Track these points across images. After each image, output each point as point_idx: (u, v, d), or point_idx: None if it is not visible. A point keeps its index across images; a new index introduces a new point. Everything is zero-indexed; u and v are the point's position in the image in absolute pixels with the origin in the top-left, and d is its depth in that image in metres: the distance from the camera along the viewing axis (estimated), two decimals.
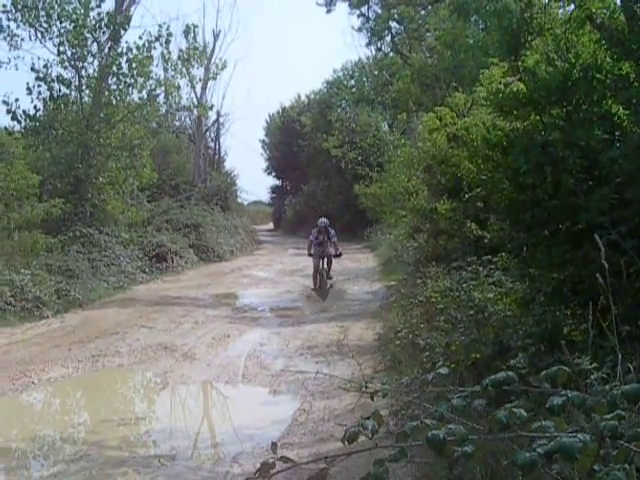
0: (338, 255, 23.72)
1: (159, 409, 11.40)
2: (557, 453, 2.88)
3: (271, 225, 73.65)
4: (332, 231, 23.52)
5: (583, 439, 2.91)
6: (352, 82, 60.86)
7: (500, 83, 12.28)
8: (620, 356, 4.72)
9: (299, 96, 67.68)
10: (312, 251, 23.49)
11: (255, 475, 3.25)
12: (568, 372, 3.46)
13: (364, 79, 59.51)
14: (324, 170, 53.76)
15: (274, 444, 3.45)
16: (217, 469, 8.29)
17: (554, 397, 3.22)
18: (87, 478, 7.98)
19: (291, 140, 61.94)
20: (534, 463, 2.89)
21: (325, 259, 23.49)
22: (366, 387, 4.11)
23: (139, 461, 8.56)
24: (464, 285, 12.35)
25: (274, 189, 75.14)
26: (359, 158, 48.24)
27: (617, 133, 8.76)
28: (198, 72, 40.60)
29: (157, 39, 29.84)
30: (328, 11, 39.15)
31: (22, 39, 28.06)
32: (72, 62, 28.56)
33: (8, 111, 28.16)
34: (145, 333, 16.63)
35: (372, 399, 3.97)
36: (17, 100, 28.27)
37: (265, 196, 79.18)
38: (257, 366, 13.60)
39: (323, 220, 23.82)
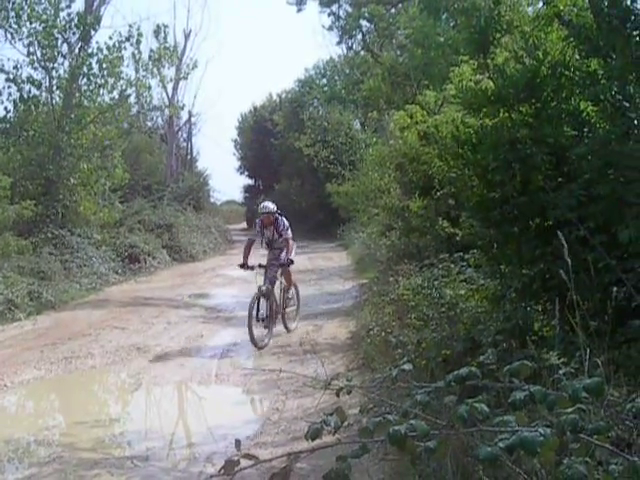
0: (287, 264, 15.92)
1: (133, 410, 11.36)
2: (518, 447, 2.91)
3: (244, 224, 73.51)
4: (284, 222, 15.97)
5: (544, 433, 2.94)
6: (324, 81, 60.87)
7: (470, 81, 12.36)
8: (588, 351, 4.76)
9: (271, 95, 67.68)
10: (251, 260, 16.10)
11: (219, 473, 3.27)
12: (531, 367, 3.50)
13: (336, 78, 59.57)
14: (297, 169, 53.70)
15: (237, 441, 3.47)
16: (191, 469, 8.29)
17: (516, 392, 3.26)
18: None
19: (263, 139, 61.87)
20: (495, 457, 2.92)
21: (277, 271, 16.10)
22: (329, 385, 4.13)
23: (112, 462, 8.54)
24: (436, 282, 12.42)
25: (247, 188, 75.04)
26: (331, 157, 48.18)
27: (585, 130, 8.81)
28: (169, 72, 40.53)
29: (127, 39, 29.76)
30: (299, 10, 39.29)
31: None
32: (42, 63, 28.43)
33: None
34: (118, 334, 16.59)
35: (338, 396, 3.99)
36: None
37: (238, 196, 79.17)
38: (230, 366, 13.59)
39: (266, 205, 16.03)
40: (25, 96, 28.37)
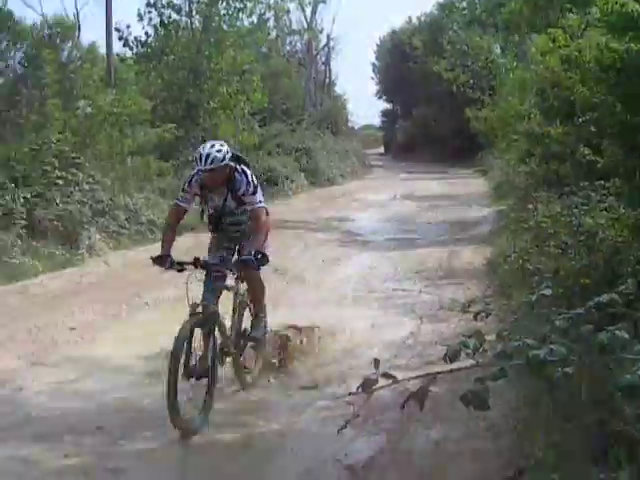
0: (256, 264, 7.81)
1: (270, 329, 11.33)
2: None
3: (381, 149, 73.42)
4: (247, 176, 8.06)
5: None
6: (464, 4, 59.88)
7: (615, 3, 12.00)
8: None
9: (410, 19, 66.92)
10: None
11: (357, 390, 3.34)
12: None
13: (476, 0, 58.52)
14: (435, 94, 53.26)
15: (376, 360, 3.51)
16: (325, 390, 8.40)
17: None
18: None
19: (402, 63, 61.36)
20: (635, 386, 2.89)
21: (230, 277, 8.44)
22: (468, 307, 4.15)
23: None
24: (575, 210, 12.21)
25: (385, 113, 74.82)
26: (470, 81, 47.55)
27: None
28: None
29: None
30: None
31: None
32: None
33: (120, 38, 28.66)
34: None
35: (475, 319, 4.00)
36: (129, 27, 28.81)
37: (376, 120, 79.01)
38: (366, 289, 13.70)
39: (208, 152, 7.65)
40: (165, 21, 28.79)
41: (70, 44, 32.34)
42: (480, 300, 10.48)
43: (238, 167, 8.07)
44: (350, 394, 3.61)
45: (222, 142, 8.02)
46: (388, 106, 74.27)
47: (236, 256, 8.49)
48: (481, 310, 3.99)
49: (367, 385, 3.30)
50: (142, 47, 29.31)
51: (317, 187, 35.47)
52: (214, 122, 29.23)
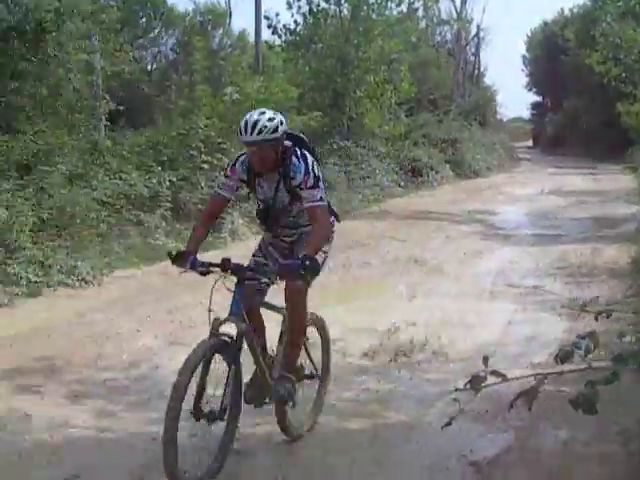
0: (298, 270, 5.67)
1: (401, 320, 11.21)
2: None
3: (530, 142, 72.66)
4: (307, 162, 6.04)
5: None
6: None
7: None
8: None
9: (562, 10, 66.00)
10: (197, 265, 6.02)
11: (465, 387, 3.30)
12: None
13: None
14: (586, 87, 52.34)
15: (485, 358, 3.46)
16: (458, 384, 8.30)
17: None
18: None
19: (553, 56, 60.55)
20: None
21: (267, 290, 6.60)
22: (585, 307, 4.05)
23: (379, 371, 8.73)
24: None
25: (534, 105, 74.16)
26: (623, 75, 46.51)
27: None
28: None
29: None
30: None
31: None
32: None
33: (269, 26, 29.13)
34: (396, 246, 16.85)
35: (596, 319, 3.89)
36: (278, 15, 29.31)
37: (525, 112, 78.29)
38: (506, 283, 13.55)
39: (255, 119, 5.77)
40: (314, 9, 29.11)
41: (221, 31, 33.28)
42: (622, 300, 10.26)
43: (298, 150, 6.15)
44: (456, 390, 3.58)
45: (276, 112, 6.05)
46: (538, 99, 73.53)
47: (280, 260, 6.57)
48: (602, 310, 3.87)
49: (475, 382, 3.26)
50: (290, 35, 29.70)
51: (462, 179, 35.34)
52: (360, 111, 29.44)
